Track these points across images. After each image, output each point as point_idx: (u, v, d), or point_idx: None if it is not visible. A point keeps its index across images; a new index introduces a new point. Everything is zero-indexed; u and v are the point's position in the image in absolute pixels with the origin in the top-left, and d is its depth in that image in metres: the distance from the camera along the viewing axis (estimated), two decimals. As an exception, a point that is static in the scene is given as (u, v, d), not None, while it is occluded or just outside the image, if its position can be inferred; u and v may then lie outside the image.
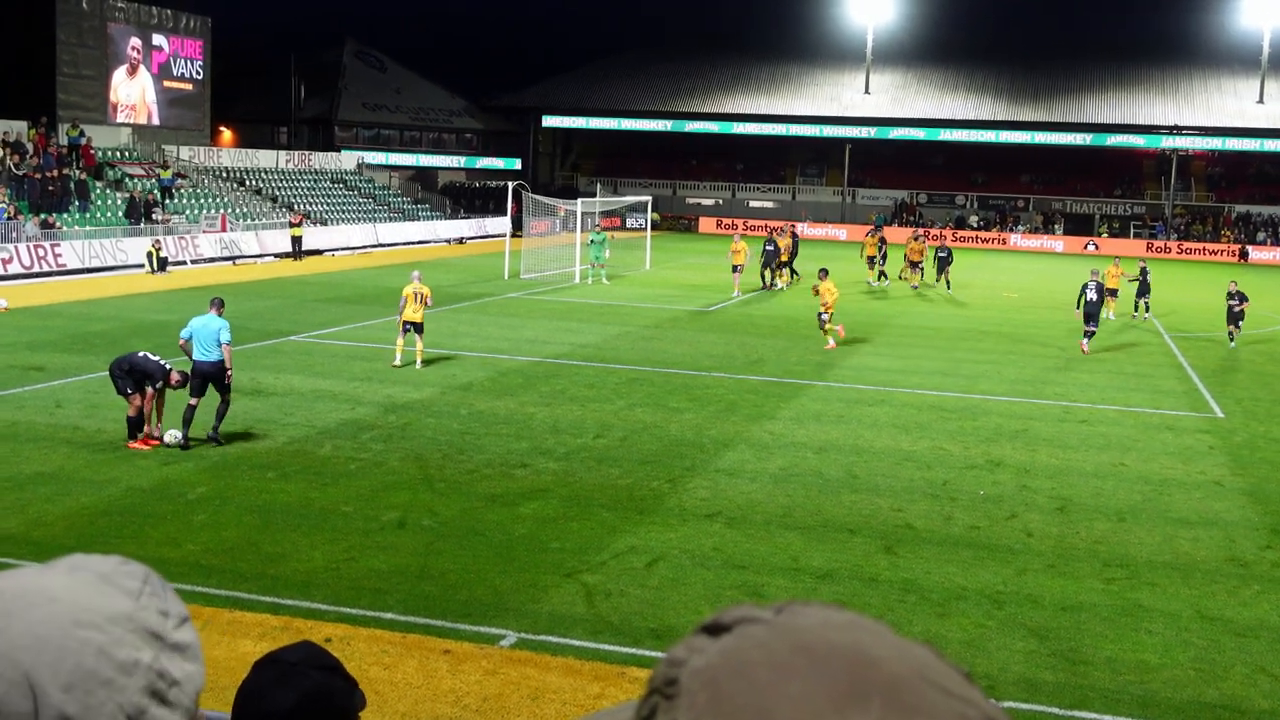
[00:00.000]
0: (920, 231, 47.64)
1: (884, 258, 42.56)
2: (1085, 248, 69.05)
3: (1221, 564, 12.41)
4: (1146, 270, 35.33)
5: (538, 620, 10.12)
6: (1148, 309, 34.91)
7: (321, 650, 2.52)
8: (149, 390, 15.32)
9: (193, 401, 15.42)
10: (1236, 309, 28.70)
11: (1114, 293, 34.25)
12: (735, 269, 37.20)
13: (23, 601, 0.97)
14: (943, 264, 40.65)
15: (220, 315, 15.79)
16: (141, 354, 15.77)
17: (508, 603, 10.50)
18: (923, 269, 42.16)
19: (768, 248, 39.14)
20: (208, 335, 15.47)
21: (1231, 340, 28.84)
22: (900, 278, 42.23)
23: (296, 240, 45.85)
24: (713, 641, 0.85)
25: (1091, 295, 27.15)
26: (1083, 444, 17.74)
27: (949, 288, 40.34)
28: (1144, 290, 34.69)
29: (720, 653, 0.83)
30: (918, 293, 40.06)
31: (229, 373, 15.60)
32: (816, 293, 26.62)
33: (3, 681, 0.91)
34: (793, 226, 41.62)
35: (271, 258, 45.60)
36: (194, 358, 15.53)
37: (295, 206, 53.77)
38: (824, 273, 27.07)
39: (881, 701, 0.78)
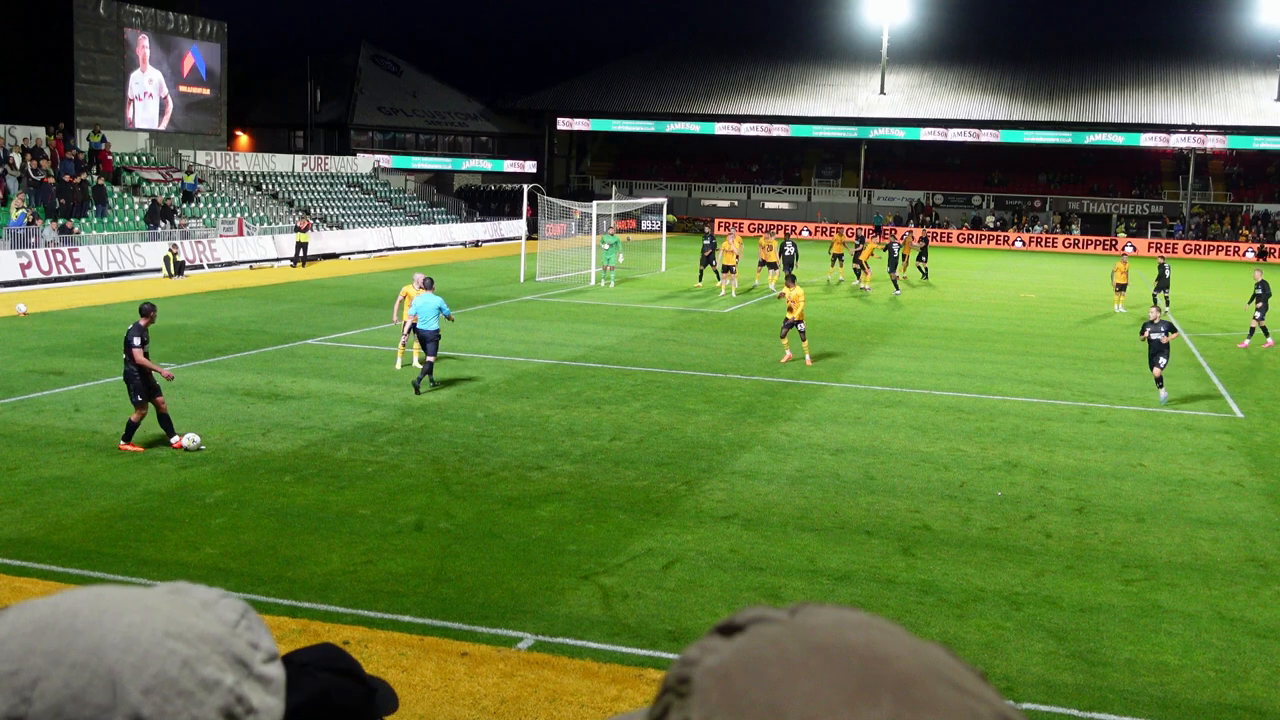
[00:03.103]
0: (907, 230, 48.88)
1: (856, 257, 42.68)
2: (1124, 249, 68.87)
3: (1241, 565, 12.34)
4: (1164, 267, 36.56)
5: (555, 622, 10.13)
6: (1168, 302, 36.05)
7: (338, 653, 2.50)
8: (135, 352, 15.38)
9: (430, 359, 19.86)
10: (1163, 341, 21.05)
11: (1123, 288, 36.11)
12: (728, 269, 37.35)
13: (121, 606, 0.99)
14: (895, 261, 41.01)
15: (433, 292, 20.27)
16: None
17: (525, 605, 10.51)
18: (919, 266, 44.72)
19: (706, 242, 40.88)
20: (428, 309, 19.92)
21: (1160, 386, 21.21)
22: (903, 277, 43.29)
23: (301, 246, 44.88)
24: (726, 641, 0.85)
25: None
26: (1101, 444, 17.67)
27: (896, 288, 40.41)
28: (1163, 286, 36.04)
29: (734, 651, 0.83)
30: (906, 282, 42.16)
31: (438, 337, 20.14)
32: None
33: (87, 672, 0.93)
34: (708, 225, 43.40)
35: (288, 262, 45.66)
36: (418, 328, 19.97)
37: (310, 210, 53.92)
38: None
39: (893, 698, 0.78)
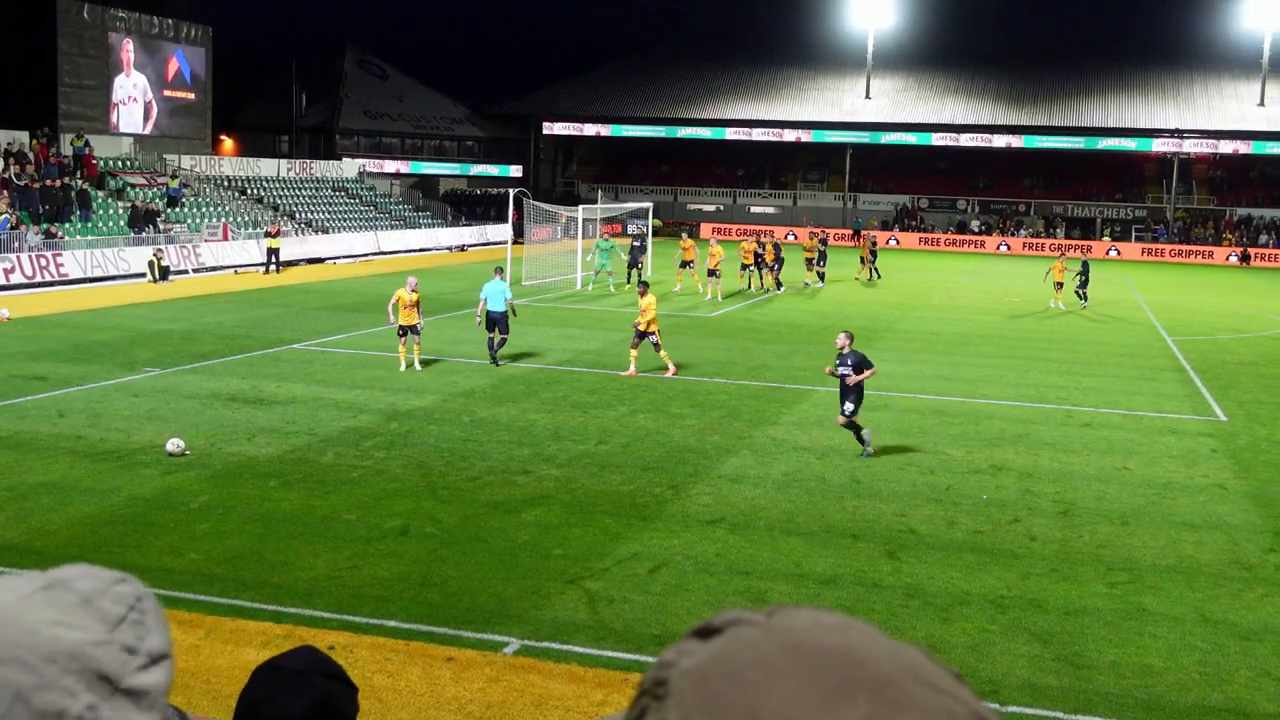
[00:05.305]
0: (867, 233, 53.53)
1: (823, 258, 44.50)
2: (1107, 253, 69.69)
3: (1225, 567, 12.38)
4: (1087, 265, 39.46)
5: (541, 627, 10.11)
6: (1085, 298, 38.61)
7: (324, 656, 2.52)
8: None
9: (491, 336, 23.03)
10: (849, 381, 16.35)
11: (1060, 285, 38.61)
12: (712, 273, 37.39)
13: None
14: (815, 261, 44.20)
15: (502, 279, 23.57)
16: None
17: (510, 610, 10.49)
18: (870, 267, 47.17)
19: (634, 244, 41.71)
20: (496, 293, 23.07)
21: (856, 434, 16.65)
22: (856, 279, 46.36)
23: (273, 252, 43.61)
24: (703, 644, 0.85)
25: None
26: (1085, 448, 17.72)
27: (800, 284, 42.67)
28: (1084, 283, 38.57)
29: (710, 654, 0.83)
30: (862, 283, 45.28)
31: (510, 316, 23.25)
32: None
33: None
34: (639, 231, 47.02)
35: (274, 267, 45.46)
36: (488, 309, 23.05)
37: (295, 214, 53.74)
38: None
39: (869, 698, 0.78)
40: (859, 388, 16.36)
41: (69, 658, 0.88)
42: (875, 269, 47.11)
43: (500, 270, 24.23)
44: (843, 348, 16.49)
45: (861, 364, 16.28)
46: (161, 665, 0.94)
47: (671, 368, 22.73)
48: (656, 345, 22.61)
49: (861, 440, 16.58)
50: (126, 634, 0.92)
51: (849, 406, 16.36)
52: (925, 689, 0.80)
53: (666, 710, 0.81)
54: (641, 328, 22.50)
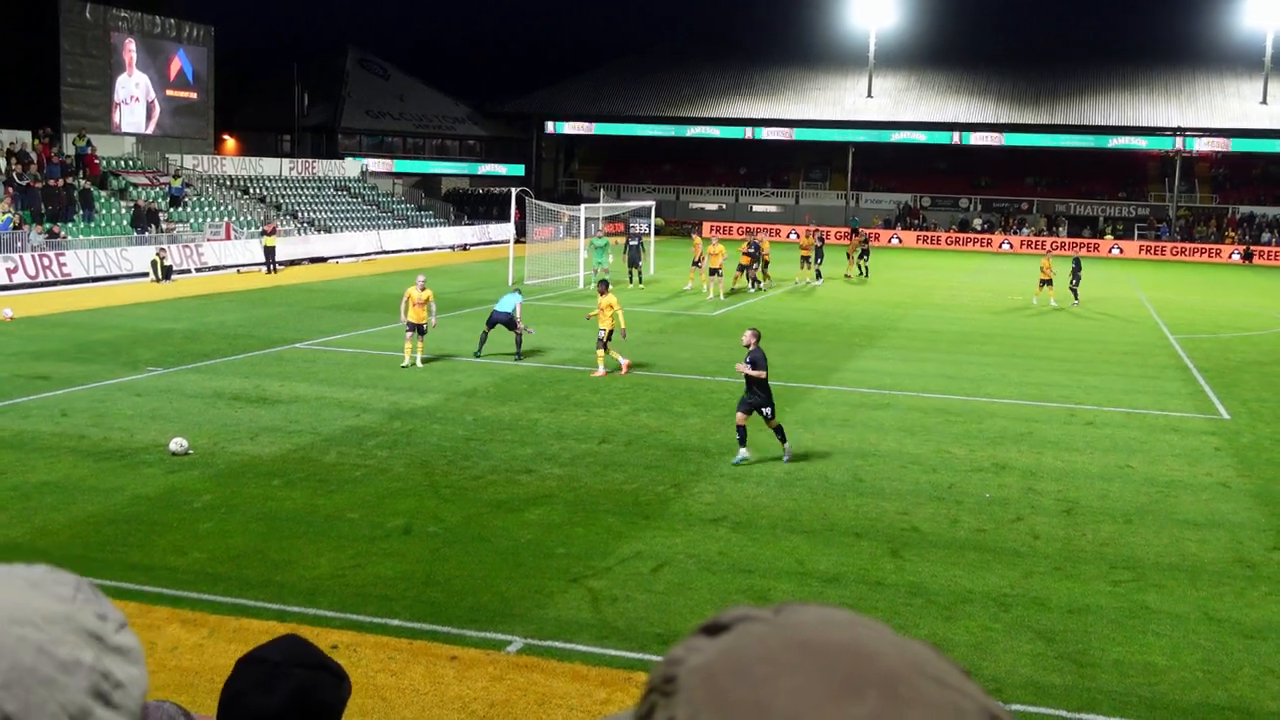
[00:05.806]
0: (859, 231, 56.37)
1: (820, 256, 44.88)
2: (1109, 252, 69.89)
3: (1229, 565, 12.38)
4: (1079, 262, 39.94)
5: (544, 626, 10.12)
6: (1076, 296, 39.00)
7: (306, 644, 2.48)
8: None
9: (486, 330, 24.01)
10: (749, 375, 15.82)
11: (1049, 282, 38.63)
12: (714, 272, 37.40)
13: None
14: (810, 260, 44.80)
15: (518, 292, 24.96)
16: None
17: (514, 608, 10.49)
18: (860, 265, 47.54)
19: (631, 243, 42.26)
20: (507, 298, 24.29)
21: (741, 443, 15.95)
22: (846, 276, 46.81)
23: (269, 251, 42.95)
24: (711, 641, 0.85)
25: None
26: (1088, 446, 17.71)
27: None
28: (1076, 280, 38.95)
29: (718, 650, 0.83)
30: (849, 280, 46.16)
31: (519, 322, 23.68)
32: None
33: None
34: (637, 230, 48.21)
35: (272, 267, 45.47)
36: (495, 309, 24.14)
37: (296, 214, 53.75)
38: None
39: (877, 694, 0.78)
40: (765, 387, 15.78)
41: (64, 619, 0.95)
42: (864, 267, 47.10)
43: (519, 290, 25.64)
44: (748, 345, 16.00)
45: (757, 362, 15.71)
46: (129, 631, 1.00)
47: (601, 370, 22.43)
48: (600, 342, 22.40)
49: (741, 447, 16.02)
50: (87, 605, 0.98)
51: (767, 410, 15.78)
52: (933, 684, 0.80)
53: (675, 707, 0.81)
54: (601, 325, 22.42)
